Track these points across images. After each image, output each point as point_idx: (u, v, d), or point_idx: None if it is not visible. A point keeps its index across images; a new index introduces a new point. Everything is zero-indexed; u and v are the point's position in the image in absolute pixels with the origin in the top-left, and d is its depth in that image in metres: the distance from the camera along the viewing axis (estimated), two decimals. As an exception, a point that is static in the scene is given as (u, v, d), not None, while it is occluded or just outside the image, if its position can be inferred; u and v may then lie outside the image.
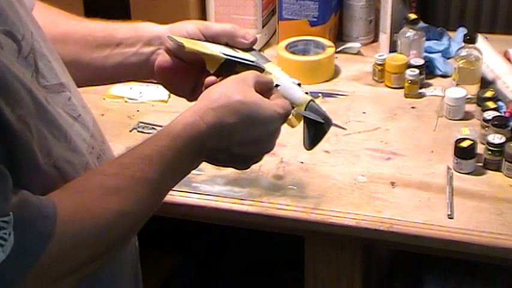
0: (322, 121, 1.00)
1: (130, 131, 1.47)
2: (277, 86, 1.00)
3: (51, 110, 0.85)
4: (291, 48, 1.68)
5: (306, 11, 1.71)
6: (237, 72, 1.01)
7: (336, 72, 1.67)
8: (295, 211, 1.24)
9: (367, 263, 1.37)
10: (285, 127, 1.43)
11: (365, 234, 1.23)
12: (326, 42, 1.69)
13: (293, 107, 1.01)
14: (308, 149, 1.04)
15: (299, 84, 1.02)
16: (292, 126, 1.03)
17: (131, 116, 1.53)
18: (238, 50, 1.05)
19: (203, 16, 1.77)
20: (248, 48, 1.06)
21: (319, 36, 1.70)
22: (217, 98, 0.94)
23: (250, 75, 0.99)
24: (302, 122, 1.02)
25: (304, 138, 1.03)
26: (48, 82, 0.88)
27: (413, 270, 1.49)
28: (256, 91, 0.97)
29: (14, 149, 0.77)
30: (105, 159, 0.96)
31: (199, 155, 0.93)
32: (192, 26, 1.07)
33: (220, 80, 1.02)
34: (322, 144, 1.39)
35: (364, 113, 1.52)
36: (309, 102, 1.00)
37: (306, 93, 1.01)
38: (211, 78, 1.03)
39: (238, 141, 0.94)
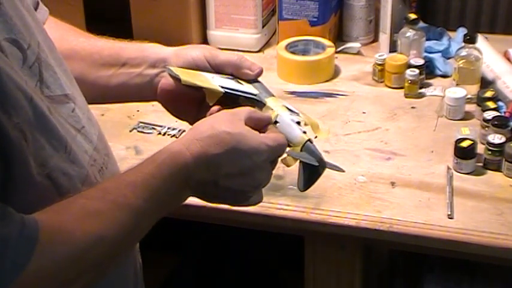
0: (317, 164, 0.98)
1: (130, 131, 1.48)
2: (276, 122, 0.99)
3: (52, 120, 0.84)
4: (291, 48, 1.68)
5: (306, 11, 1.71)
6: (240, 105, 1.00)
7: (336, 72, 1.67)
8: (295, 211, 1.25)
9: (367, 263, 1.37)
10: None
11: (365, 234, 1.23)
12: (326, 42, 1.69)
13: (290, 146, 0.99)
14: (302, 191, 1.02)
15: (298, 123, 1.00)
16: (288, 166, 1.01)
17: (131, 116, 1.53)
18: (242, 82, 1.03)
19: (203, 16, 1.77)
20: (253, 80, 1.04)
21: (319, 36, 1.70)
22: (204, 130, 0.92)
23: (243, 109, 0.97)
24: (298, 161, 1.01)
25: (298, 178, 1.01)
26: (52, 93, 0.87)
27: (413, 270, 1.49)
28: (248, 125, 0.95)
29: (9, 158, 0.77)
30: (108, 173, 0.96)
31: (187, 186, 0.91)
32: (198, 52, 1.05)
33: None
34: (323, 144, 1.40)
35: (364, 113, 1.52)
36: (306, 142, 0.98)
37: (304, 132, 0.99)
38: (216, 107, 1.01)
39: (225, 173, 0.92)
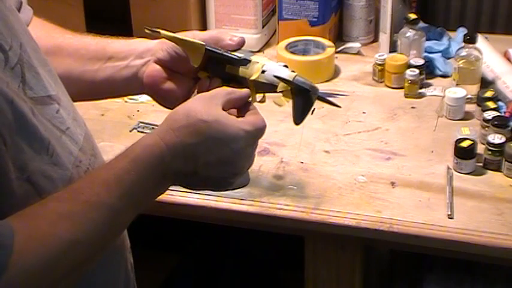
0: (309, 89, 0.99)
1: (130, 131, 1.47)
2: (263, 71, 0.99)
3: (35, 122, 0.82)
4: (291, 48, 1.68)
5: (306, 11, 1.71)
6: (227, 73, 1.01)
7: (336, 72, 1.67)
8: (295, 211, 1.24)
9: (367, 263, 1.37)
10: (284, 130, 1.44)
11: (365, 234, 1.23)
12: (326, 42, 1.69)
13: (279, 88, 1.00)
14: (297, 123, 1.01)
15: (286, 66, 1.01)
16: (280, 105, 1.01)
17: (131, 116, 1.53)
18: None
19: (203, 16, 1.77)
20: (236, 50, 1.04)
21: (319, 36, 1.70)
22: (179, 119, 0.90)
23: (221, 92, 0.95)
24: (290, 100, 1.01)
25: (293, 114, 1.02)
26: (35, 94, 0.85)
27: (413, 270, 1.49)
28: (226, 109, 0.93)
29: None
30: None
31: (164, 178, 0.89)
32: (182, 35, 1.04)
33: (211, 84, 1.01)
34: (323, 144, 1.40)
35: (364, 113, 1.52)
36: (295, 77, 0.99)
37: (293, 71, 1.00)
38: (202, 83, 1.01)
39: (204, 163, 0.90)
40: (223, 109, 0.93)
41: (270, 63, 1.01)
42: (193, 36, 1.04)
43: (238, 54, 1.02)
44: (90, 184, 0.83)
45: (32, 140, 0.81)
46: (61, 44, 1.06)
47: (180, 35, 1.02)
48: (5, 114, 0.77)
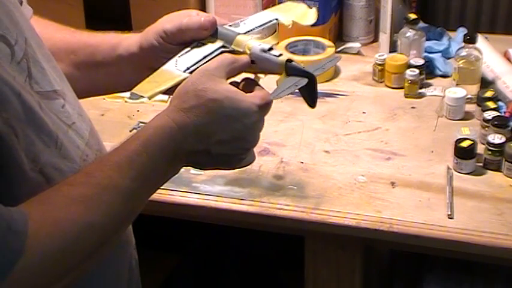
0: (306, 80, 0.97)
1: (130, 131, 1.47)
2: (253, 62, 0.97)
3: (42, 115, 0.83)
4: (291, 48, 1.68)
5: (306, 11, 1.70)
6: None
7: (336, 72, 1.67)
8: (295, 211, 1.24)
9: (367, 263, 1.37)
10: (284, 130, 1.44)
11: (365, 234, 1.23)
12: (326, 42, 1.69)
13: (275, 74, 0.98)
14: (313, 107, 1.00)
15: (270, 48, 0.98)
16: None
17: (131, 116, 1.53)
18: (205, 42, 1.01)
19: (203, 16, 1.77)
20: (214, 32, 1.01)
21: (319, 36, 1.70)
22: (188, 99, 0.90)
23: (224, 62, 0.94)
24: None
25: (305, 101, 1.01)
26: (41, 88, 0.86)
27: (413, 270, 1.49)
28: (230, 76, 0.93)
29: (0, 153, 0.76)
30: None
31: (177, 158, 0.89)
32: (156, 36, 1.03)
33: None
34: (323, 144, 1.40)
35: (364, 113, 1.52)
36: (286, 64, 0.97)
37: (280, 55, 0.98)
38: None
39: (216, 141, 0.90)
40: (228, 78, 0.93)
41: (254, 49, 0.98)
42: (166, 35, 1.01)
43: (217, 45, 1.00)
44: (102, 167, 0.84)
45: (40, 133, 0.82)
46: (51, 48, 1.04)
47: (163, 84, 0.96)
48: (14, 107, 0.78)
